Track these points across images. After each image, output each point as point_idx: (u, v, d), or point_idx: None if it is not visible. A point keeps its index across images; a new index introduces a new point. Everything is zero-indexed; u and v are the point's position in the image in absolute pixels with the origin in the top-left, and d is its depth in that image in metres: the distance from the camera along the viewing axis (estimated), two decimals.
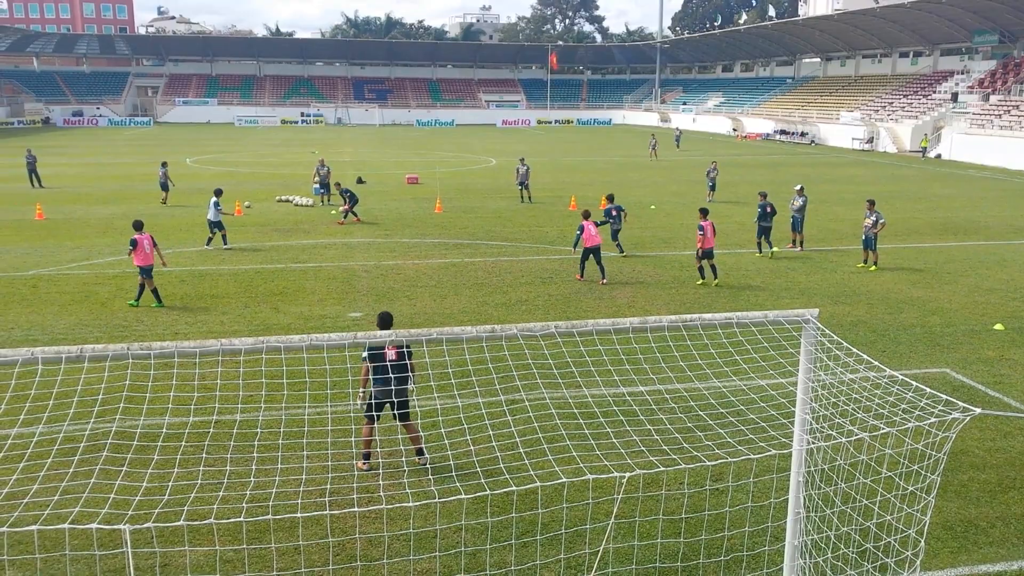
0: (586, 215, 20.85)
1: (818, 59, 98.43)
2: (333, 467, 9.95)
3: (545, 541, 8.53)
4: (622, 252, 23.68)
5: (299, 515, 8.76)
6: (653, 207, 33.59)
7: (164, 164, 35.45)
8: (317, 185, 34.65)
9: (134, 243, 17.86)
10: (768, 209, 23.50)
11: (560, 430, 9.97)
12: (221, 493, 8.91)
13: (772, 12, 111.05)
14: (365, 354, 9.83)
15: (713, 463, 9.21)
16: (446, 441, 10.01)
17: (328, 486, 9.56)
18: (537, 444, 9.31)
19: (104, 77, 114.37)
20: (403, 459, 10.33)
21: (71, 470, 8.58)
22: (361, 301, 18.53)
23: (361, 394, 10.12)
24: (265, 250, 24.42)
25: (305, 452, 9.84)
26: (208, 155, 58.63)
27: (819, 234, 27.45)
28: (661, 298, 19.09)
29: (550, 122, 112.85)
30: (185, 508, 8.02)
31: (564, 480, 8.79)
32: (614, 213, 23.35)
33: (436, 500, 9.05)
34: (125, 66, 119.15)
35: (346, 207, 29.23)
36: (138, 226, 18.39)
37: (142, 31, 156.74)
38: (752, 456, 7.69)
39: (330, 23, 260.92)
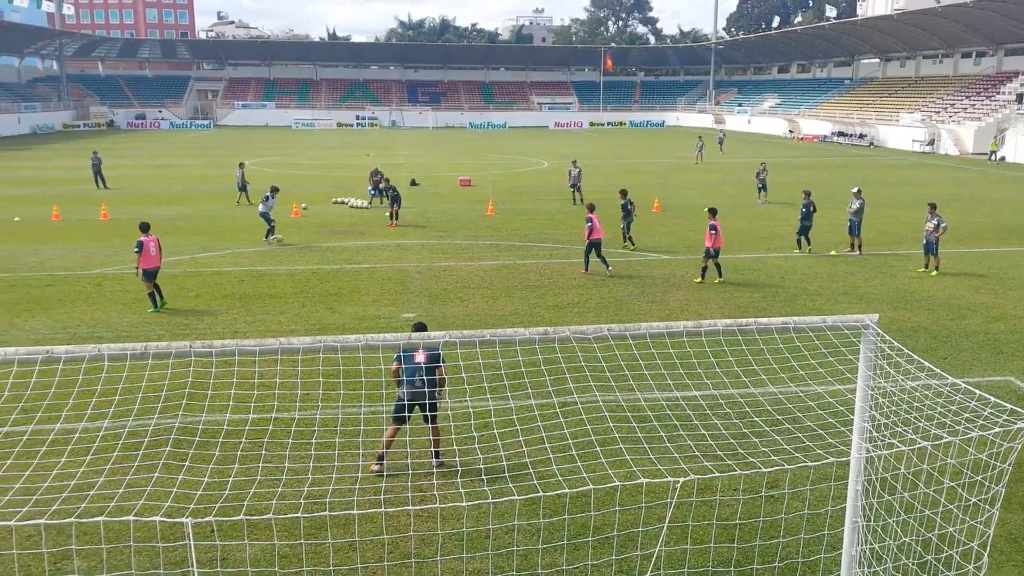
0: (591, 208, 21.90)
1: (877, 60, 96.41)
2: (388, 466, 10.08)
3: (597, 544, 8.53)
4: (633, 244, 25.04)
5: (355, 512, 8.90)
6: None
7: (241, 165, 36.02)
8: (371, 187, 35.26)
9: (140, 245, 17.32)
10: (811, 208, 24.44)
11: (613, 433, 9.96)
12: (279, 489, 9.09)
13: (830, 12, 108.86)
14: (399, 354, 9.99)
15: (769, 470, 9.11)
16: (499, 442, 10.06)
17: (383, 484, 9.69)
18: (590, 447, 9.30)
19: (166, 81, 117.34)
20: (456, 459, 10.42)
21: (135, 464, 8.84)
22: (414, 302, 18.71)
23: (398, 384, 10.30)
24: (321, 251, 24.80)
25: (361, 451, 9.98)
26: (267, 157, 59.69)
27: (878, 238, 26.92)
28: (715, 301, 18.91)
29: (602, 124, 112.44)
30: (245, 503, 8.19)
31: (617, 483, 8.76)
32: (629, 207, 24.90)
33: (489, 500, 9.10)
34: (186, 70, 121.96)
35: (395, 207, 29.70)
36: (144, 228, 17.86)
37: (202, 36, 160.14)
38: (809, 463, 7.58)
39: (385, 27, 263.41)
